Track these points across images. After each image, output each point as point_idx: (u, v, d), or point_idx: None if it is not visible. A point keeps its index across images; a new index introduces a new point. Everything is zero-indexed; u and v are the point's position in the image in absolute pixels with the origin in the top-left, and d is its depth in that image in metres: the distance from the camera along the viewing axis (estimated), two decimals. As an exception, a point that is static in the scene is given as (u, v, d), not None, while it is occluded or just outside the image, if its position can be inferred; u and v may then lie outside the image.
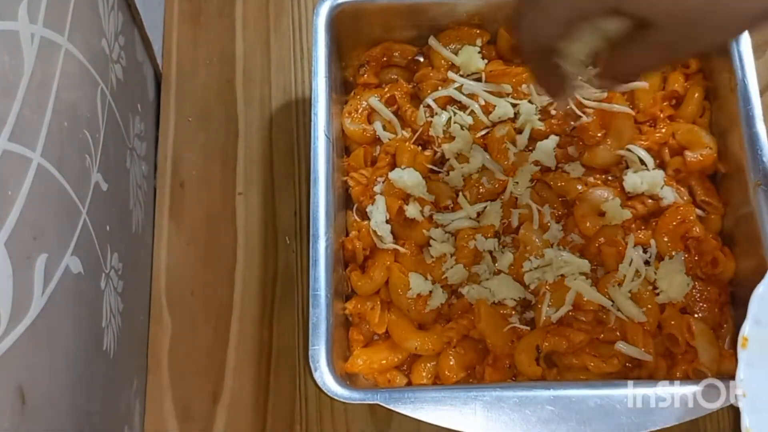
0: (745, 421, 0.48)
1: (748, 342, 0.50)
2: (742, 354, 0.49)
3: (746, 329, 0.50)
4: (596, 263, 0.60)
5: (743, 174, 0.58)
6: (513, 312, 0.59)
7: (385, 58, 0.67)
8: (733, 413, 0.62)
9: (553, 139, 0.62)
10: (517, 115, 0.64)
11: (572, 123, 0.62)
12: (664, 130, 0.63)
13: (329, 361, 0.53)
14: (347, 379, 0.55)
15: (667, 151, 0.63)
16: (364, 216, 0.62)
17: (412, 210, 0.61)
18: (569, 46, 0.44)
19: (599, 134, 0.62)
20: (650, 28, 0.39)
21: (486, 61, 0.66)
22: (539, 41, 0.43)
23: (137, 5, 0.69)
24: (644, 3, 0.37)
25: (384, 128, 0.66)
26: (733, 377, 0.53)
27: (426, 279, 0.59)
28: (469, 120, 0.64)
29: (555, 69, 0.45)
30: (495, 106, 0.64)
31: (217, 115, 0.75)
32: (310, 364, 0.53)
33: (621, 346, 0.56)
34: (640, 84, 0.63)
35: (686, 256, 0.59)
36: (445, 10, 0.65)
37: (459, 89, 0.65)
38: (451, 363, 0.58)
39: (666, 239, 0.60)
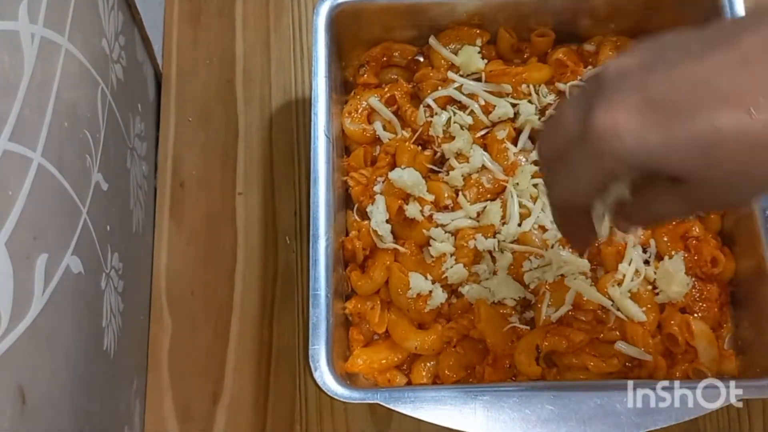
0: None
1: None
2: None
3: None
4: (596, 263, 0.60)
5: (743, 174, 0.58)
6: (513, 312, 0.59)
7: (385, 58, 0.67)
8: (732, 413, 0.62)
9: (552, 139, 0.62)
10: (516, 115, 0.64)
11: None
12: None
13: (329, 360, 0.53)
14: (347, 378, 0.55)
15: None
16: (364, 216, 0.62)
17: (412, 210, 0.61)
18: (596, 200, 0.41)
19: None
20: (681, 184, 0.36)
21: (486, 61, 0.66)
22: (572, 202, 0.41)
23: (137, 5, 0.69)
24: (681, 167, 0.34)
25: (384, 128, 0.66)
26: (733, 377, 0.53)
27: (426, 279, 0.59)
28: (469, 120, 0.64)
29: (586, 223, 0.43)
30: (495, 106, 0.64)
31: (217, 115, 0.75)
32: (310, 363, 0.53)
33: (621, 345, 0.56)
34: None
35: (686, 255, 0.59)
36: (445, 10, 0.65)
37: (459, 89, 0.65)
38: (451, 363, 0.58)
39: (666, 239, 0.60)
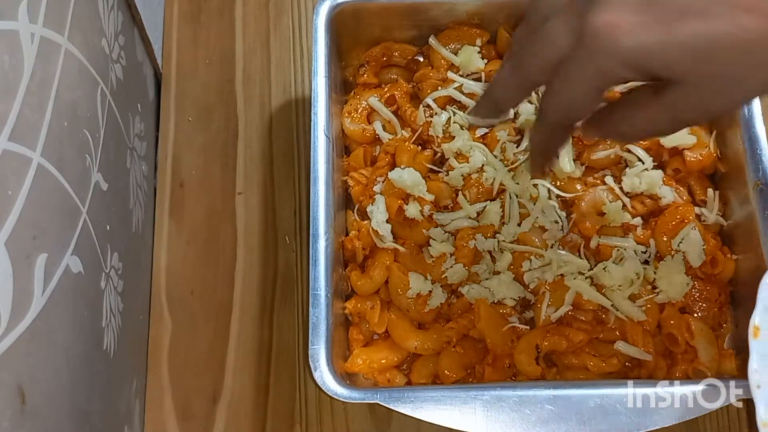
0: (761, 413, 0.46)
1: (760, 331, 0.47)
2: (753, 344, 0.47)
3: (756, 318, 0.48)
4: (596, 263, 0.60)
5: (743, 174, 0.58)
6: (513, 311, 0.59)
7: (384, 58, 0.67)
8: (732, 413, 0.62)
9: (552, 139, 0.62)
10: (516, 115, 0.64)
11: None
12: (663, 130, 0.63)
13: (329, 360, 0.53)
14: (347, 378, 0.55)
15: (666, 150, 0.63)
16: (364, 216, 0.62)
17: (411, 210, 0.61)
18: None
19: (599, 134, 0.62)
20: (667, 91, 0.35)
21: (486, 60, 0.66)
22: (569, 115, 0.40)
23: (137, 5, 0.69)
24: (675, 67, 0.34)
25: (384, 128, 0.66)
26: (732, 377, 0.53)
27: (426, 278, 0.59)
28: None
29: (561, 144, 0.43)
30: (495, 105, 0.64)
31: (217, 115, 0.75)
32: (310, 363, 0.53)
33: (620, 345, 0.56)
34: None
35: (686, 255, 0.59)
36: (445, 10, 0.65)
37: (459, 89, 0.65)
38: (451, 363, 0.58)
39: (665, 239, 0.60)
